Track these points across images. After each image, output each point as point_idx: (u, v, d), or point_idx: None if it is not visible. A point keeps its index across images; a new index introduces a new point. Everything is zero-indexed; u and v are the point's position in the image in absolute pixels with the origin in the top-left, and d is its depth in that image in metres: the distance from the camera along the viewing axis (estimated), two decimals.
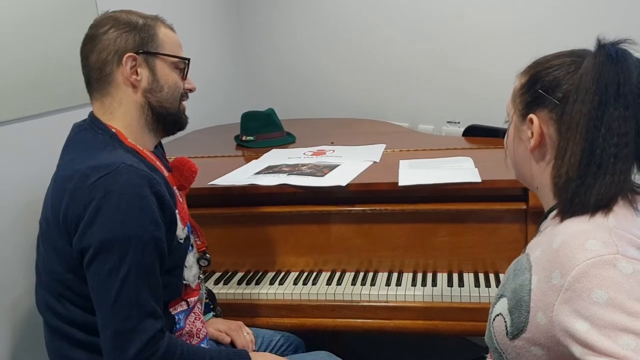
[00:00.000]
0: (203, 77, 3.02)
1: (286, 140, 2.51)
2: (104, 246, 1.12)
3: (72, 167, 1.20)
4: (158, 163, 1.33)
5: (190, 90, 1.40)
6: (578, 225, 0.92)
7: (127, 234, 1.13)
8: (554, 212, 0.99)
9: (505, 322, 0.99)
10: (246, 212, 1.81)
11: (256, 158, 2.20)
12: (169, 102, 1.32)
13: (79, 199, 1.15)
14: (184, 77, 1.36)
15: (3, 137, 1.63)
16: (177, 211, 1.29)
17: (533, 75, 1.03)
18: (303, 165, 2.01)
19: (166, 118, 1.34)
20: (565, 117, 0.95)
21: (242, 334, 1.52)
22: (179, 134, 2.60)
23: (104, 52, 1.27)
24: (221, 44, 3.29)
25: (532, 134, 1.02)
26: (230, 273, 1.83)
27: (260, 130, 2.49)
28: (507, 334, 0.98)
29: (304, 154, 2.21)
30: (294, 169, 1.94)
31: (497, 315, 1.02)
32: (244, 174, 1.95)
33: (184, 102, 1.38)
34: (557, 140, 0.98)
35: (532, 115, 1.01)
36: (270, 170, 1.97)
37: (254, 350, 1.53)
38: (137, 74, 1.28)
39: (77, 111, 1.35)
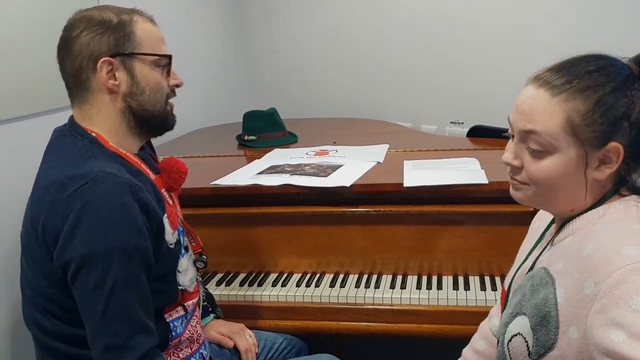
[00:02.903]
0: (206, 77, 3.01)
1: (288, 140, 2.49)
2: (86, 260, 1.07)
3: (50, 176, 1.15)
4: (143, 166, 1.27)
5: (177, 86, 1.30)
6: (612, 232, 0.88)
7: (109, 246, 1.07)
8: (575, 222, 0.96)
9: (526, 341, 0.94)
10: (248, 213, 1.79)
11: (258, 158, 2.18)
12: (152, 104, 1.24)
13: (57, 211, 1.09)
14: (168, 74, 1.27)
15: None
16: (165, 216, 1.23)
17: (600, 102, 0.92)
18: (306, 165, 1.98)
19: (151, 121, 1.25)
20: None
21: (245, 337, 1.49)
22: (180, 133, 2.63)
23: (78, 58, 1.18)
24: (224, 44, 3.27)
25: (603, 162, 0.93)
26: (232, 274, 1.80)
27: (263, 130, 2.46)
28: (529, 354, 0.94)
29: (306, 154, 2.19)
30: (297, 169, 1.92)
31: (515, 335, 0.97)
32: (247, 174, 1.92)
33: (171, 101, 1.30)
34: (626, 163, 0.94)
35: (616, 144, 0.92)
36: (273, 170, 1.95)
37: (257, 353, 1.51)
38: (114, 78, 1.19)
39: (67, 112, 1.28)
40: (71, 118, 1.25)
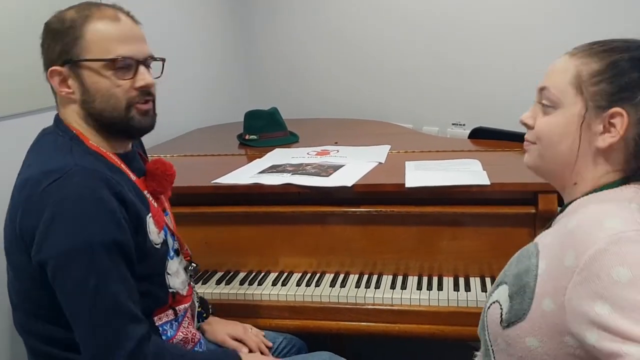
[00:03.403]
0: (207, 76, 3.01)
1: (289, 139, 2.48)
2: (65, 257, 1.05)
3: (26, 173, 1.13)
4: (123, 166, 1.22)
5: (144, 87, 1.18)
6: (598, 207, 0.87)
7: (88, 241, 1.05)
8: (575, 203, 0.95)
9: (501, 309, 0.94)
10: (249, 211, 1.78)
11: (259, 157, 2.17)
12: (109, 111, 1.17)
13: (32, 207, 1.07)
14: (135, 75, 1.17)
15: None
16: (149, 215, 1.20)
17: (614, 64, 0.92)
18: (307, 165, 1.98)
19: (113, 127, 1.19)
20: None
21: (252, 336, 1.48)
22: (181, 132, 2.63)
23: (44, 67, 1.18)
24: (225, 43, 3.27)
25: (607, 129, 0.92)
26: (232, 273, 1.79)
27: (264, 130, 2.46)
28: (501, 321, 0.94)
29: (307, 153, 2.18)
30: (298, 169, 1.91)
31: (494, 302, 0.97)
32: (248, 173, 1.91)
33: (141, 105, 1.19)
34: (636, 141, 0.91)
35: (620, 110, 0.90)
36: (274, 169, 1.94)
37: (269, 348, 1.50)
38: (68, 86, 1.16)
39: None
40: (56, 115, 1.24)
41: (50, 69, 1.16)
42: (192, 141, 2.58)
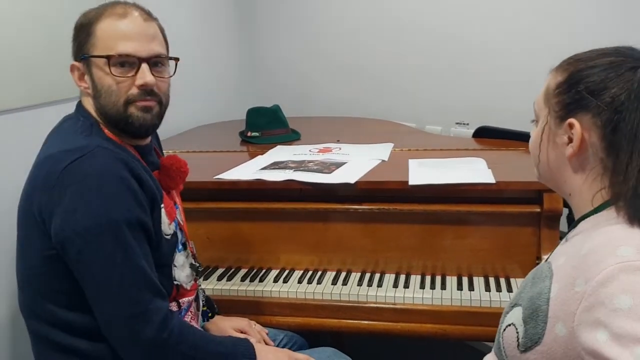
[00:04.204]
0: (209, 73, 3.00)
1: (291, 137, 2.47)
2: (92, 233, 1.06)
3: (47, 152, 1.15)
4: (138, 157, 1.24)
5: (143, 86, 1.18)
6: (613, 232, 0.86)
7: (114, 218, 1.07)
8: (588, 220, 0.93)
9: (517, 332, 0.93)
10: (251, 208, 1.77)
11: (261, 154, 2.16)
12: (110, 107, 1.18)
13: (52, 184, 1.08)
14: (137, 72, 1.17)
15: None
16: (162, 205, 1.22)
17: (574, 74, 0.93)
18: (309, 161, 1.96)
19: (116, 124, 1.20)
20: (622, 125, 0.86)
21: (255, 332, 1.48)
22: (184, 128, 2.61)
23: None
24: (228, 40, 3.26)
25: (571, 139, 0.92)
26: (233, 269, 1.78)
27: (266, 127, 2.45)
28: (518, 345, 0.92)
29: (309, 150, 2.17)
30: (300, 165, 1.90)
31: (509, 325, 0.96)
32: (250, 169, 1.90)
33: (140, 103, 1.18)
34: (603, 148, 0.89)
35: (572, 120, 0.91)
36: (276, 166, 1.93)
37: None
38: (85, 81, 1.20)
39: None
40: (78, 102, 1.25)
41: (71, 63, 1.21)
42: (195, 137, 2.57)
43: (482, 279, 1.65)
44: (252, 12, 3.35)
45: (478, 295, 1.57)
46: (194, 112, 2.79)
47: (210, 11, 3.08)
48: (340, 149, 2.18)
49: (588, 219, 0.94)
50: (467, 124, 2.76)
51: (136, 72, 1.17)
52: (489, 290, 1.59)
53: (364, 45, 3.15)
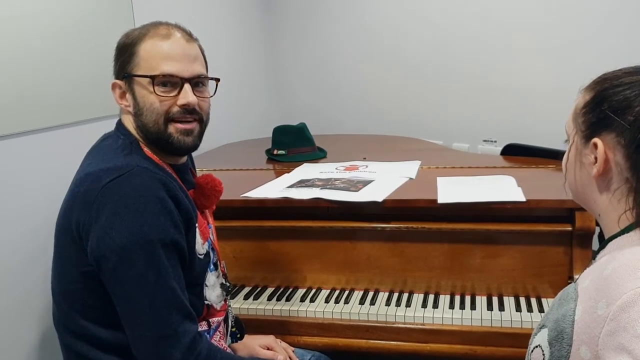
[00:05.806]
0: (236, 92, 3.02)
1: (317, 155, 2.47)
2: (127, 251, 1.08)
3: (87, 169, 1.16)
4: (175, 176, 1.25)
5: (184, 106, 1.20)
6: (634, 254, 0.84)
7: (149, 238, 1.09)
8: (615, 241, 0.91)
9: (543, 354, 0.92)
10: (278, 226, 1.76)
11: (287, 172, 2.16)
12: (151, 125, 1.20)
13: (90, 202, 1.10)
14: (177, 93, 1.19)
15: (34, 145, 1.62)
16: (197, 225, 1.23)
17: (599, 93, 0.92)
18: (336, 179, 1.95)
19: (155, 142, 1.22)
20: None
21: (281, 347, 1.47)
22: (211, 146, 2.63)
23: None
24: (255, 59, 3.29)
25: (596, 159, 0.91)
26: (260, 288, 1.77)
27: (292, 145, 2.45)
28: None
29: (336, 168, 2.16)
30: (327, 183, 1.89)
31: (536, 347, 0.95)
32: (277, 187, 1.90)
33: (180, 125, 1.20)
34: (628, 168, 0.87)
35: (596, 140, 0.90)
36: (303, 184, 1.92)
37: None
38: (126, 100, 1.22)
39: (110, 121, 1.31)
40: (118, 121, 1.27)
41: (113, 82, 1.24)
42: (222, 156, 2.58)
43: (512, 299, 1.62)
44: (279, 31, 3.37)
45: (509, 316, 1.53)
46: (221, 131, 2.80)
47: (237, 32, 3.11)
48: (367, 166, 2.17)
49: (615, 239, 0.93)
50: (495, 141, 2.73)
51: (179, 92, 1.20)
52: (520, 311, 1.55)
53: (391, 64, 3.15)
